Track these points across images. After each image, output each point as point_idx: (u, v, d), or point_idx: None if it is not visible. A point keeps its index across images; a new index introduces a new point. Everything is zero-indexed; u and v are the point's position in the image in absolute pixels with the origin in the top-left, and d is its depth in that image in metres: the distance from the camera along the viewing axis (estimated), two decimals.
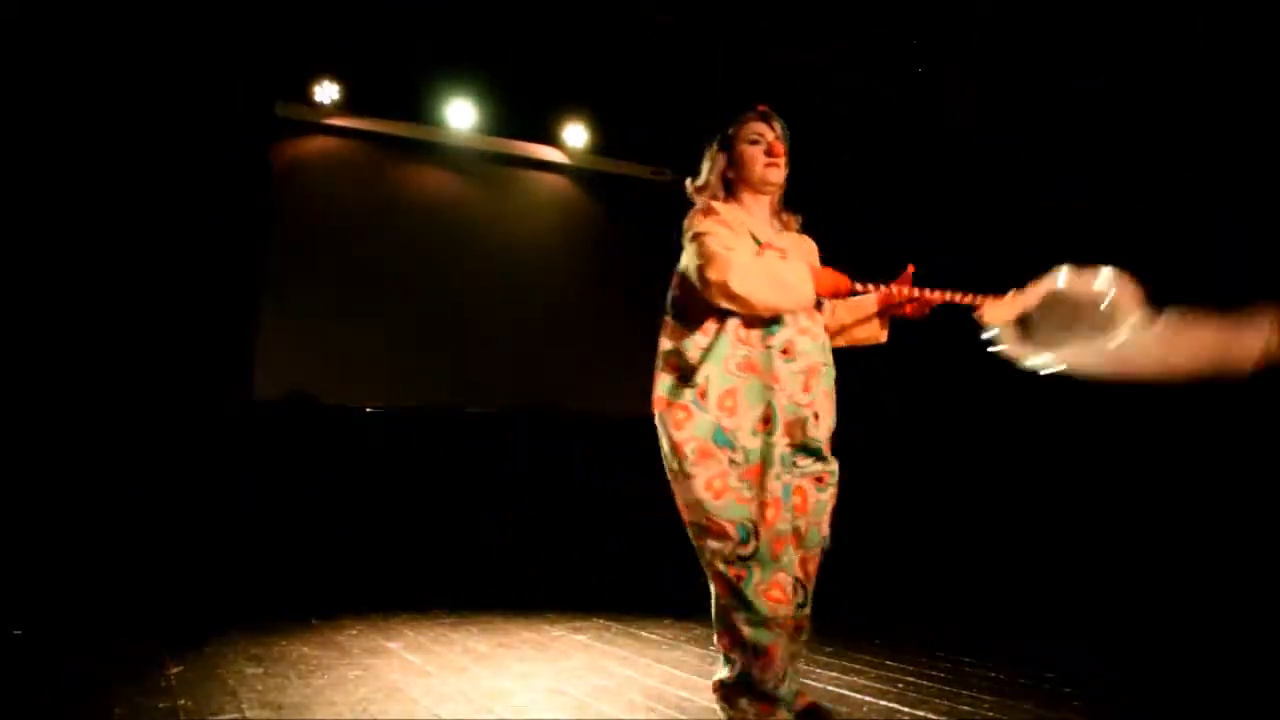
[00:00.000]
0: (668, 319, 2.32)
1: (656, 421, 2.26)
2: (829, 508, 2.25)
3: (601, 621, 4.01)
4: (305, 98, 5.49)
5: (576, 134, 6.15)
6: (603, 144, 6.24)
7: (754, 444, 2.13)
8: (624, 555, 5.63)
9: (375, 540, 5.25)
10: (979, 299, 2.21)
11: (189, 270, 5.05)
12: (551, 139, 6.17)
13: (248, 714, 2.33)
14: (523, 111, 6.03)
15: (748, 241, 2.24)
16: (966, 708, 2.50)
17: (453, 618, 4.00)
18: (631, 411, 6.52)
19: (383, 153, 5.84)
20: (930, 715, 2.44)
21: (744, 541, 2.10)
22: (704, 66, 5.73)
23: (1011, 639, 3.65)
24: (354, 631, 3.60)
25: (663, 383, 2.24)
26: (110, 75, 4.90)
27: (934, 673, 2.95)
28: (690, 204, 2.40)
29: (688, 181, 2.42)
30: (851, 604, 4.59)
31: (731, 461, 2.13)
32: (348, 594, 4.53)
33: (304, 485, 5.21)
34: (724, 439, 2.13)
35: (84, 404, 4.74)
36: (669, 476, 2.23)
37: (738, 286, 2.08)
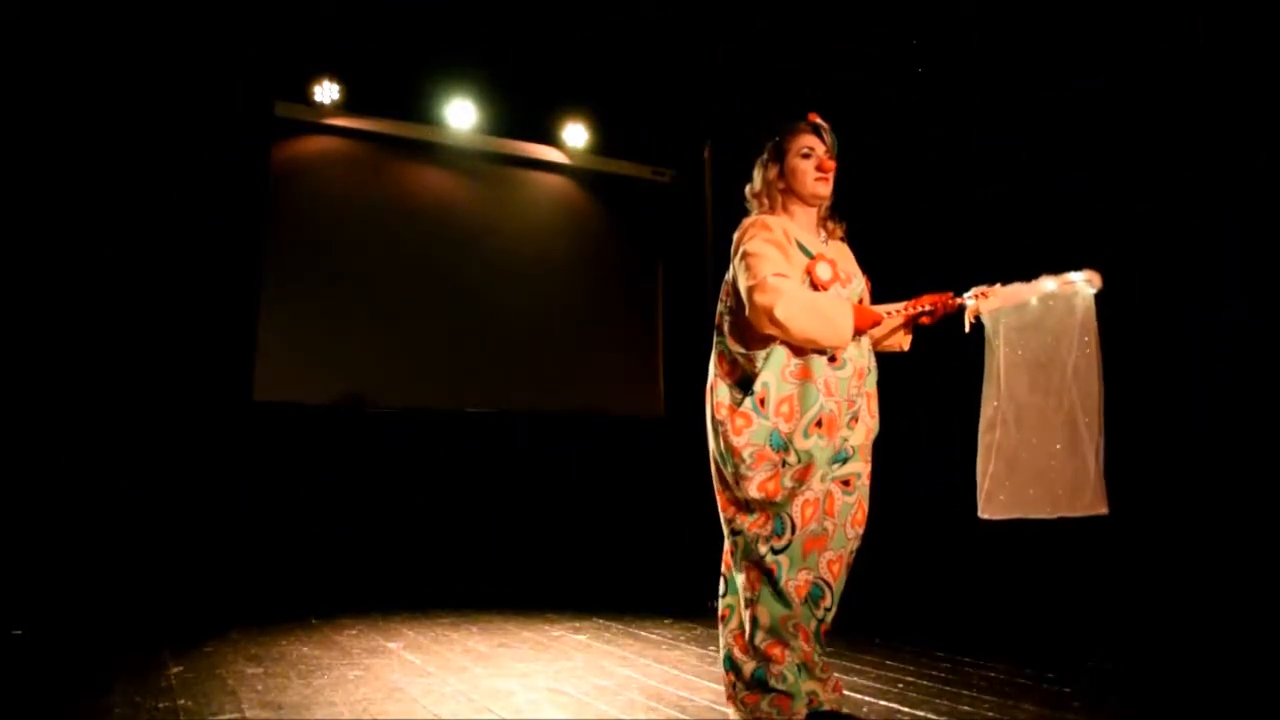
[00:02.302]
0: (722, 328, 2.40)
1: (710, 424, 2.36)
2: (854, 511, 2.35)
3: (601, 621, 4.01)
4: (305, 98, 5.49)
5: (576, 134, 6.16)
6: (603, 144, 6.25)
7: (807, 445, 2.23)
8: (624, 555, 5.63)
9: (375, 540, 5.26)
10: (976, 294, 2.33)
11: (189, 270, 5.05)
12: (551, 139, 6.18)
13: (248, 714, 2.33)
14: (523, 111, 6.03)
15: (798, 256, 2.31)
16: (966, 708, 2.50)
17: (453, 618, 4.00)
18: (631, 411, 6.57)
19: (383, 153, 5.84)
20: (930, 715, 2.44)
21: (779, 534, 2.24)
22: (704, 66, 5.73)
23: (1011, 639, 3.65)
24: (354, 631, 3.60)
25: (721, 389, 2.35)
26: (110, 75, 4.91)
27: (934, 673, 2.95)
28: (745, 209, 2.47)
29: (747, 188, 2.49)
30: (852, 604, 4.59)
31: (785, 463, 2.23)
32: (348, 594, 4.53)
33: (304, 485, 5.21)
34: (780, 442, 2.24)
35: (84, 404, 4.74)
36: (718, 477, 2.33)
37: (781, 314, 2.17)
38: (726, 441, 2.27)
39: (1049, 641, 3.62)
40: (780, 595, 2.23)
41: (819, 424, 2.23)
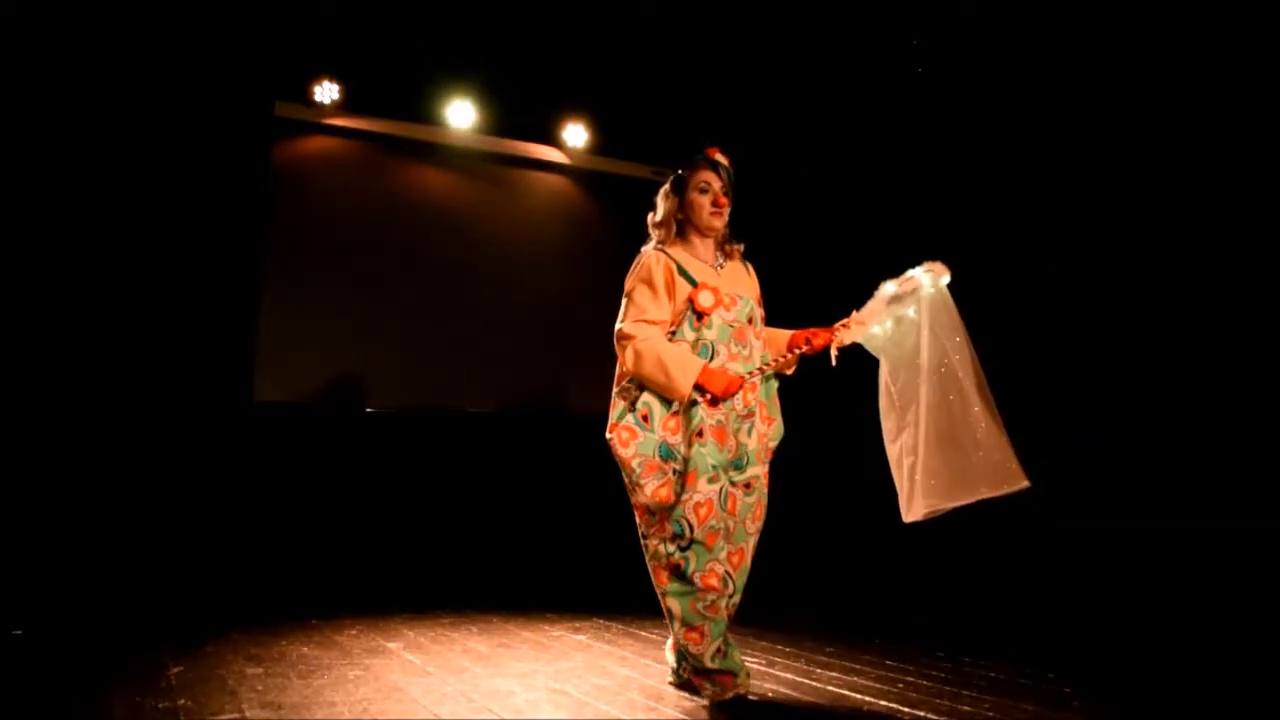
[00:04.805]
0: (619, 352, 2.67)
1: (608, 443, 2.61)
2: (754, 509, 2.62)
3: (601, 621, 4.01)
4: (305, 98, 5.49)
5: (576, 134, 6.16)
6: (603, 144, 6.24)
7: (689, 454, 2.49)
8: (625, 555, 5.62)
9: (375, 540, 5.25)
10: (838, 327, 2.62)
11: (189, 271, 5.05)
12: (551, 139, 6.18)
13: (248, 714, 2.33)
14: (523, 111, 6.03)
15: (683, 286, 2.58)
16: (966, 708, 2.50)
17: (453, 618, 4.00)
18: None
19: (383, 153, 5.84)
20: (930, 715, 2.43)
21: (680, 535, 2.49)
22: (704, 67, 5.73)
23: (1011, 639, 3.65)
24: (354, 631, 3.60)
25: (614, 410, 2.64)
26: (110, 75, 4.91)
27: (934, 673, 2.95)
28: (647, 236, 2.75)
29: (649, 216, 2.77)
30: (852, 604, 4.59)
31: (675, 471, 2.50)
32: (348, 594, 4.53)
33: (304, 485, 5.20)
34: (668, 453, 2.52)
35: (85, 405, 4.75)
36: (626, 487, 2.58)
37: (629, 360, 2.56)
38: (616, 454, 2.54)
39: (1049, 641, 3.62)
40: (688, 586, 2.49)
41: (700, 434, 2.48)
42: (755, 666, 3.01)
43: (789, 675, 2.90)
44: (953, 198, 5.17)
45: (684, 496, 2.46)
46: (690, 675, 2.58)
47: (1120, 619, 4.02)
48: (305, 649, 3.21)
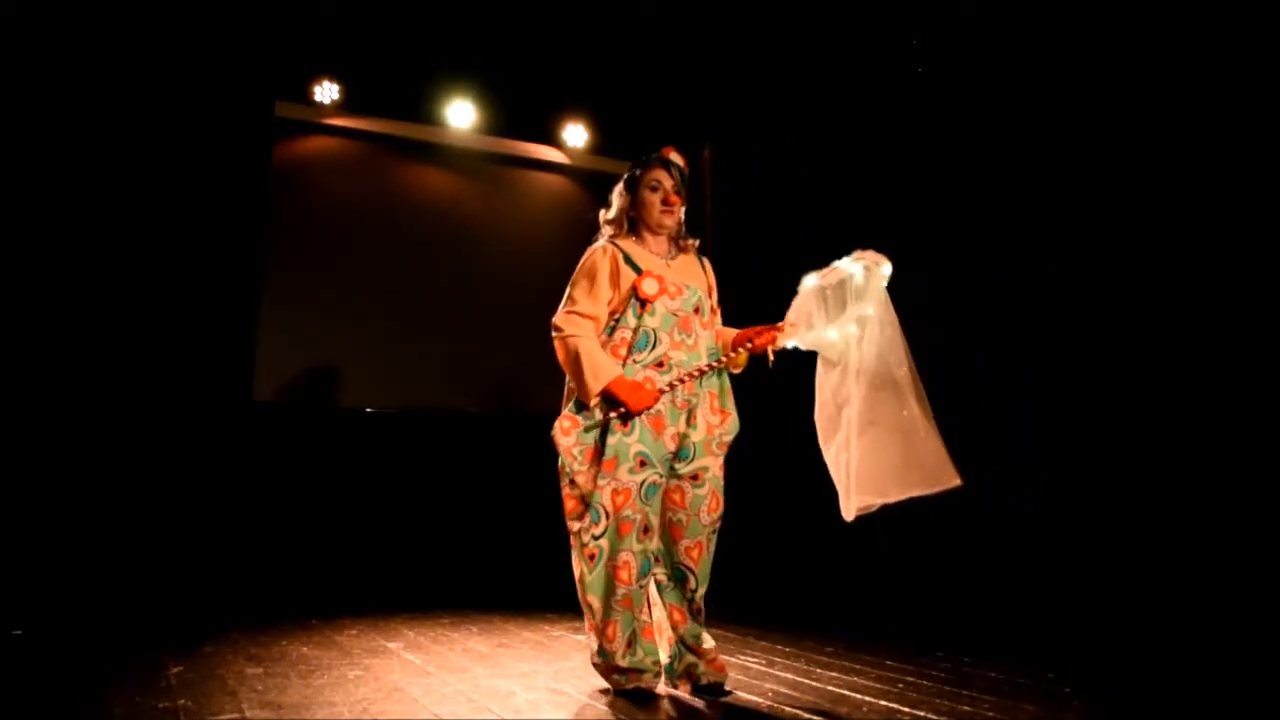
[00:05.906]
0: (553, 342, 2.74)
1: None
2: (707, 501, 2.63)
3: None
4: (305, 98, 5.50)
5: (576, 134, 6.16)
6: (603, 144, 6.24)
7: (612, 441, 2.54)
8: None
9: (375, 540, 5.25)
10: (776, 330, 2.63)
11: (189, 270, 5.05)
12: (551, 139, 6.18)
13: (248, 714, 2.33)
14: (523, 111, 6.04)
15: (628, 274, 2.63)
16: (966, 708, 2.50)
17: (453, 618, 4.00)
18: None
19: (383, 153, 5.85)
20: (930, 715, 2.43)
21: (595, 522, 2.54)
22: (704, 67, 5.73)
23: (1011, 639, 3.65)
24: (354, 631, 3.60)
25: (564, 404, 2.68)
26: (111, 75, 4.91)
27: (934, 673, 2.95)
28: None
29: (601, 213, 2.82)
30: (852, 604, 4.59)
31: (605, 458, 2.55)
32: (348, 594, 4.53)
33: (304, 485, 5.20)
34: (604, 438, 2.57)
35: (84, 404, 4.75)
36: (562, 477, 2.64)
37: (558, 352, 2.68)
38: (557, 445, 2.60)
39: (1049, 641, 3.62)
40: (604, 578, 2.53)
41: (624, 422, 2.54)
42: (755, 666, 3.02)
43: (789, 675, 2.90)
44: (953, 197, 5.16)
45: (601, 482, 2.53)
46: (598, 664, 2.60)
47: (1120, 619, 4.02)
48: (305, 649, 3.21)
